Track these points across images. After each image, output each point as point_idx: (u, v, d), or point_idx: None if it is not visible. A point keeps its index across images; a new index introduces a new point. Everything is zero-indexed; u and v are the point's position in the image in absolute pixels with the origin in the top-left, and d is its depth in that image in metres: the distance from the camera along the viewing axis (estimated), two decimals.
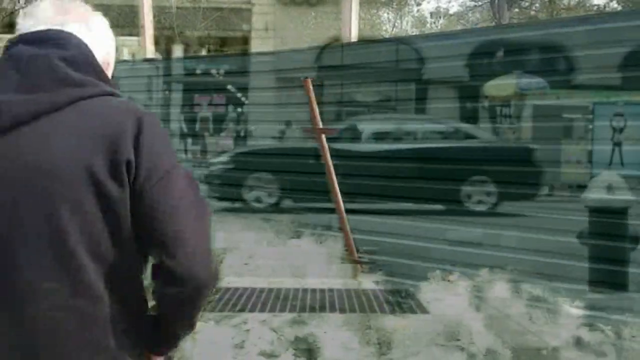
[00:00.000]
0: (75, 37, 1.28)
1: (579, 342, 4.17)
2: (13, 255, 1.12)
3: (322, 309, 4.93)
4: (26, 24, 1.28)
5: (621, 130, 6.59)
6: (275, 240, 6.11)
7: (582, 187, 5.05)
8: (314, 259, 5.38)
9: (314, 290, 5.07)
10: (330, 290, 5.12)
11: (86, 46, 1.29)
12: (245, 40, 21.01)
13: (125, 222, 1.17)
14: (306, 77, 3.87)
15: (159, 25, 14.53)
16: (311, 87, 3.92)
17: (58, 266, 1.13)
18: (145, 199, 1.18)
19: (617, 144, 6.37)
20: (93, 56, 1.29)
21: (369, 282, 5.16)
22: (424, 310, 4.68)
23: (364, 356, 3.95)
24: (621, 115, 6.60)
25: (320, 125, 4.01)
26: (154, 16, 8.15)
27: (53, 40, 1.24)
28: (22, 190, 1.14)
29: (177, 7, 20.00)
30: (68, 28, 1.29)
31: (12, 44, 1.25)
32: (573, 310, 4.24)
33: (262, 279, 5.14)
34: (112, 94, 1.25)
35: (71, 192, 1.14)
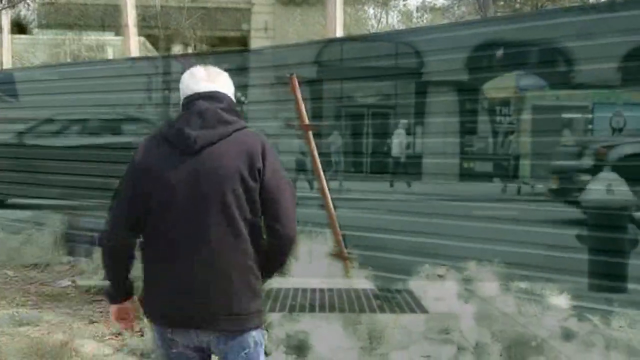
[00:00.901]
0: (225, 94, 2.30)
1: (567, 333, 4.20)
2: (201, 216, 2.15)
3: (313, 305, 4.94)
4: (192, 83, 2.29)
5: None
6: None
7: None
8: (303, 256, 5.37)
9: (304, 288, 5.07)
10: (321, 286, 5.12)
11: (230, 98, 2.32)
12: (243, 40, 20.91)
13: (257, 201, 2.19)
14: (292, 74, 3.86)
15: (143, 24, 14.41)
16: (297, 83, 3.92)
17: (225, 222, 2.15)
18: (268, 190, 2.19)
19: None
20: (234, 103, 2.33)
21: (359, 278, 5.17)
22: (416, 304, 4.70)
23: (354, 352, 3.96)
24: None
25: (307, 122, 4.00)
26: (138, 15, 8.09)
27: (216, 98, 2.26)
28: (207, 183, 2.15)
29: (162, 6, 19.86)
30: (218, 86, 2.30)
31: (193, 98, 2.26)
32: (561, 301, 4.27)
33: None
34: (245, 127, 2.26)
35: (231, 184, 2.15)
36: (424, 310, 4.50)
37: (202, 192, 2.14)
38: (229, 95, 2.31)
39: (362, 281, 4.98)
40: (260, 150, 2.20)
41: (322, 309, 4.59)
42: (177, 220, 2.15)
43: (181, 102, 2.30)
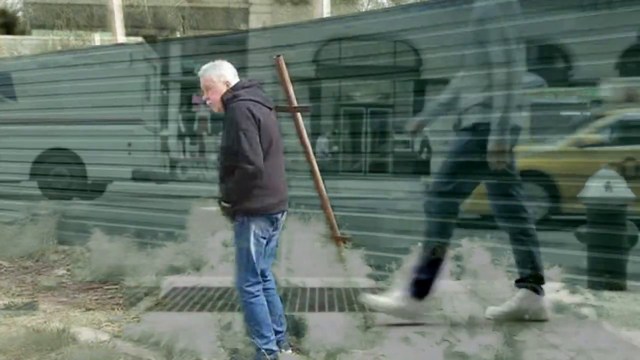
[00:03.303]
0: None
1: (559, 306, 4.25)
2: (281, 146, 3.60)
3: (308, 285, 4.97)
4: (235, 71, 3.61)
5: None
6: None
7: None
8: (297, 238, 5.40)
9: (299, 267, 5.10)
10: (315, 266, 5.16)
11: None
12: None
13: None
14: (278, 55, 3.82)
15: (138, 24, 14.33)
16: (284, 65, 3.88)
17: (281, 151, 3.61)
18: None
19: None
20: None
21: (353, 258, 5.20)
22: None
23: (350, 329, 3.99)
24: None
25: (295, 104, 3.98)
26: (134, 14, 8.07)
27: (258, 81, 3.66)
28: (275, 130, 3.57)
29: (158, 6, 19.76)
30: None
31: (247, 80, 3.60)
32: (551, 273, 4.32)
33: None
34: None
35: (279, 132, 3.61)
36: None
37: (279, 132, 3.60)
38: None
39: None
40: None
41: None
42: (276, 149, 3.52)
43: (234, 82, 3.53)
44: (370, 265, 5.09)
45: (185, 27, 20.30)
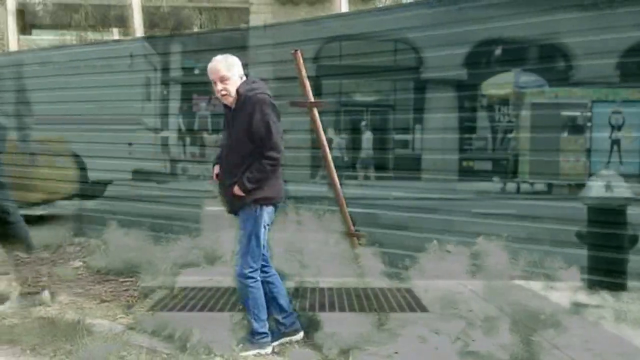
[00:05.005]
0: None
1: (577, 307, 4.20)
2: None
3: (322, 282, 4.96)
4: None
5: None
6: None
7: None
8: (312, 234, 5.39)
9: (313, 265, 5.09)
10: (329, 263, 5.14)
11: None
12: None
13: None
14: (296, 50, 3.81)
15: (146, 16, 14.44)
16: (301, 60, 3.86)
17: None
18: None
19: None
20: None
21: (367, 255, 5.18)
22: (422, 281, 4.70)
23: (363, 327, 3.98)
24: None
25: (312, 99, 3.96)
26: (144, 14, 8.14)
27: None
28: None
29: (160, 6, 19.91)
30: None
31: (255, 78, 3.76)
32: (569, 275, 4.26)
33: None
34: None
35: None
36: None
37: None
38: None
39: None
40: None
41: None
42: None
43: (243, 75, 3.58)
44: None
45: (203, 25, 20.43)
